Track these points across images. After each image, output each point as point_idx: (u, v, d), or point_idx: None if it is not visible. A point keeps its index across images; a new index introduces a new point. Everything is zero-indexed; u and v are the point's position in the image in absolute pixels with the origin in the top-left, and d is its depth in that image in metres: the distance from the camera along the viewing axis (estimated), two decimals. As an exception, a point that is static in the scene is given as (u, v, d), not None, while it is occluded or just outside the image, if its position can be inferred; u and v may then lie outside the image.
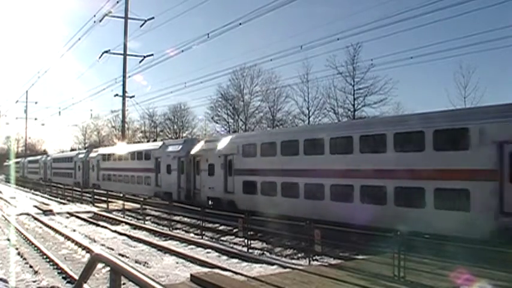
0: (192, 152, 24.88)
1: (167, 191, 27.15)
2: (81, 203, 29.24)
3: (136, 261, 11.81)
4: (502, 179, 11.39)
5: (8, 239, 15.20)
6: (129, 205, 24.83)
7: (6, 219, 20.49)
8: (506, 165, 11.39)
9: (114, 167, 36.27)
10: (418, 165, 13.39)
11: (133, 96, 30.66)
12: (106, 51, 29.44)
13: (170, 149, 27.81)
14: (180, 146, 26.84)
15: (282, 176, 18.10)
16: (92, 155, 41.65)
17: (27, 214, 22.74)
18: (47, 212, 23.62)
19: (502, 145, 11.49)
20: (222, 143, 22.36)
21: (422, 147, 13.30)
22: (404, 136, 14.12)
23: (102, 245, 14.69)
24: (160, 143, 32.11)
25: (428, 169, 13.02)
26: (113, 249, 13.69)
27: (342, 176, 15.72)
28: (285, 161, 18.04)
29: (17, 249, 13.40)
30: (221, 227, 18.00)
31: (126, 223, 20.03)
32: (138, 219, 21.36)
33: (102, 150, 40.95)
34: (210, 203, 22.28)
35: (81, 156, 45.03)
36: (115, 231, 17.44)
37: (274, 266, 11.06)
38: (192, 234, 16.88)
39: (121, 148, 36.00)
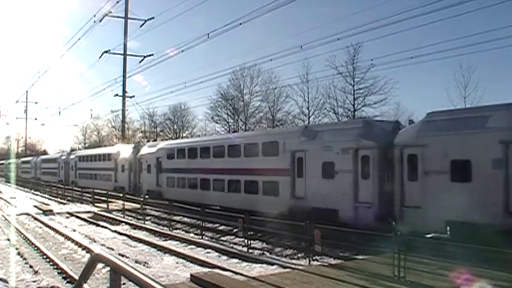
0: (399, 139, 14.50)
1: (327, 208, 16.09)
2: (81, 203, 29.22)
3: (136, 261, 11.81)
4: None
5: (8, 239, 15.19)
6: (129, 205, 24.83)
7: (6, 219, 20.47)
8: None
9: (191, 167, 25.12)
10: None
11: (133, 96, 30.62)
12: (106, 51, 29.44)
13: (330, 136, 16.97)
14: (357, 131, 16.10)
15: None
16: (147, 151, 31.20)
17: (27, 214, 22.72)
18: (47, 212, 23.60)
19: None
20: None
21: None
22: None
23: (102, 245, 14.69)
24: (295, 128, 23.14)
25: None
26: (113, 249, 13.68)
27: None
28: None
29: (17, 249, 13.39)
30: (221, 227, 18.00)
31: (126, 223, 20.02)
32: (138, 219, 21.36)
33: (166, 145, 30.39)
34: (448, 231, 12.65)
35: (126, 154, 34.57)
36: (115, 231, 17.43)
37: (274, 266, 11.06)
38: (192, 234, 16.88)
39: (202, 141, 27.82)
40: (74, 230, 17.86)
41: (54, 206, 27.28)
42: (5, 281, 9.57)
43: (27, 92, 58.47)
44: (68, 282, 9.70)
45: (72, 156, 50.57)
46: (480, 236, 10.42)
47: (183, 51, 26.86)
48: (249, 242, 13.87)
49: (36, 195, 37.98)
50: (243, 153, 21.31)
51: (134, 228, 18.51)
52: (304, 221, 12.35)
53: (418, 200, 13.54)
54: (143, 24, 28.36)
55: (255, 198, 19.67)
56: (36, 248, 13.46)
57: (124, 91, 28.68)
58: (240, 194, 20.90)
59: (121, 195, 26.65)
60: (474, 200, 11.91)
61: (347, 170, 15.78)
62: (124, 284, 2.85)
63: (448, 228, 12.76)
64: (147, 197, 26.08)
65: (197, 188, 24.35)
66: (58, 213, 23.54)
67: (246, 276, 9.46)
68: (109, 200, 26.40)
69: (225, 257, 12.51)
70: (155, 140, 54.55)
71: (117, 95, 29.75)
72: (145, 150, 31.60)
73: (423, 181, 13.46)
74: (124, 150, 35.21)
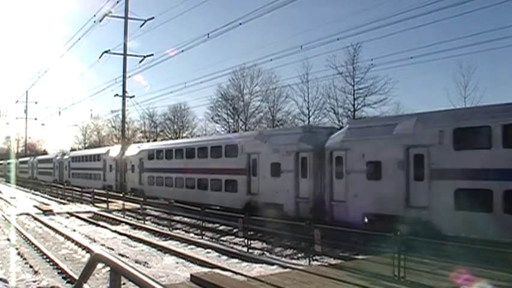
0: (329, 143, 16.73)
1: (275, 203, 18.40)
2: (81, 203, 29.21)
3: (136, 261, 11.81)
4: None
5: (8, 239, 15.19)
6: (129, 205, 24.85)
7: (6, 219, 20.47)
8: None
9: (168, 167, 27.46)
10: None
11: (133, 96, 30.44)
12: (106, 51, 29.25)
13: (277, 140, 19.22)
14: (298, 136, 18.41)
15: None
16: (131, 152, 33.28)
17: (27, 214, 22.72)
18: (47, 212, 23.60)
19: None
20: None
21: None
22: None
23: (102, 245, 14.69)
24: (252, 133, 25.92)
25: None
26: (113, 249, 13.68)
27: None
28: None
29: (17, 249, 13.39)
30: (221, 227, 18.01)
31: (126, 223, 20.03)
32: (138, 219, 21.36)
33: (147, 146, 33.29)
34: None
35: (113, 154, 36.95)
36: (115, 231, 17.43)
37: (274, 266, 11.06)
38: (192, 234, 16.87)
39: (177, 143, 30.63)
40: (74, 230, 17.85)
41: (54, 206, 27.27)
42: (5, 281, 9.58)
43: (27, 92, 58.21)
44: (68, 282, 9.70)
45: (65, 157, 52.45)
46: (390, 226, 11.37)
47: (183, 51, 26.74)
48: (249, 242, 13.87)
49: (36, 195, 37.97)
50: (209, 155, 23.32)
51: (134, 228, 18.51)
52: (304, 221, 12.40)
53: (343, 196, 15.78)
54: (143, 24, 28.19)
55: (219, 194, 22.08)
56: (36, 248, 13.46)
57: (124, 91, 28.52)
58: (207, 191, 23.02)
59: (121, 195, 26.69)
60: (384, 195, 13.99)
61: (290, 169, 17.96)
62: (124, 284, 2.86)
63: (365, 219, 14.71)
64: (133, 194, 27.22)
65: (173, 186, 26.38)
66: (58, 213, 23.53)
67: (246, 276, 9.46)
68: (109, 200, 26.43)
69: (225, 257, 12.51)
70: (155, 140, 54.58)
71: (117, 95, 29.59)
72: (129, 151, 33.40)
73: (347, 179, 15.64)
74: (112, 151, 37.50)
